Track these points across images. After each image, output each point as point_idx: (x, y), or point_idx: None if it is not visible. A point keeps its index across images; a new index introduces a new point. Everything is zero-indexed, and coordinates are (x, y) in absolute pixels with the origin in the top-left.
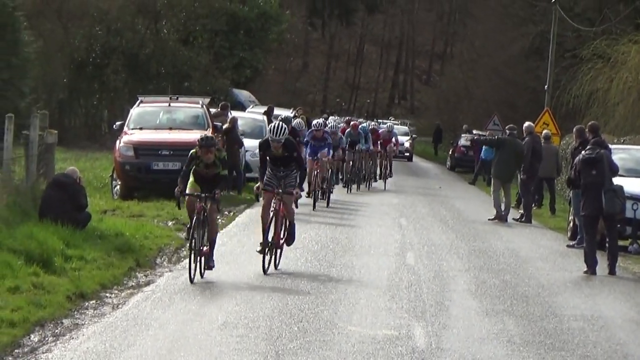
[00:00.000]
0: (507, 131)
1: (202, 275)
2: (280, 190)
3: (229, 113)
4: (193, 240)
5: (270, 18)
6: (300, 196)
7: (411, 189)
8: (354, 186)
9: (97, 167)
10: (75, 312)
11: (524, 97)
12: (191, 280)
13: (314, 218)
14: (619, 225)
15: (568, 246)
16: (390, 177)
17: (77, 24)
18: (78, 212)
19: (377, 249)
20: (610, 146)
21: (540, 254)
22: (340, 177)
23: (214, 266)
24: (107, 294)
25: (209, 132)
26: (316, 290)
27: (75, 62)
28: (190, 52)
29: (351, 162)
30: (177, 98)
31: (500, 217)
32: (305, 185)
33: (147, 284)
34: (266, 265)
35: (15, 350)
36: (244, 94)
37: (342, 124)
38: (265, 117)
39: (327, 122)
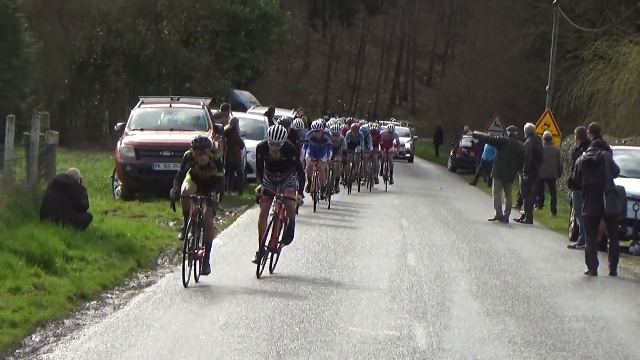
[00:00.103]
0: (508, 132)
1: (197, 280)
2: (282, 195)
3: (230, 114)
4: (187, 243)
5: (272, 19)
6: (302, 202)
7: (412, 190)
8: (355, 187)
9: (98, 168)
10: (77, 313)
11: (525, 98)
12: (185, 285)
13: (315, 219)
14: (620, 227)
15: (569, 247)
16: (392, 184)
17: (78, 26)
18: (79, 213)
19: (378, 250)
20: (611, 147)
21: (541, 255)
22: (340, 182)
23: (210, 272)
24: (109, 295)
25: (210, 133)
26: (317, 291)
27: (76, 64)
28: (192, 53)
29: (351, 164)
30: (179, 99)
31: (501, 218)
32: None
33: (149, 284)
34: (260, 270)
35: (17, 351)
36: (245, 95)
37: (343, 125)
38: (266, 118)
39: (326, 123)
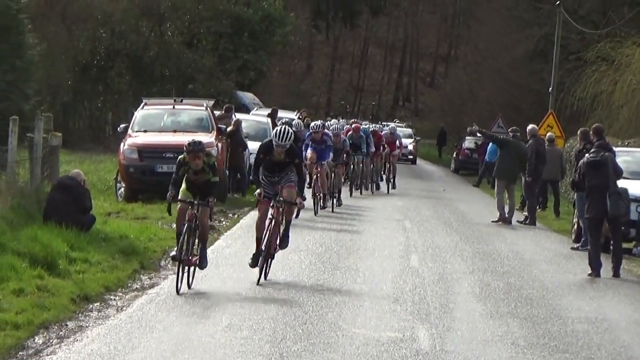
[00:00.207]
0: (510, 133)
1: (189, 286)
2: (281, 199)
3: (233, 115)
4: (182, 250)
5: (275, 20)
6: (303, 206)
7: (415, 192)
8: (357, 189)
9: (101, 170)
10: (80, 315)
11: (528, 99)
12: (177, 291)
13: (317, 221)
14: (623, 228)
15: (572, 249)
16: (394, 188)
17: (81, 27)
18: (82, 214)
19: (381, 251)
20: (614, 149)
21: (544, 257)
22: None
23: (206, 266)
24: (112, 297)
25: (213, 135)
26: (320, 293)
27: (79, 65)
28: (195, 55)
29: (352, 166)
30: (182, 100)
31: (504, 220)
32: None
33: (152, 286)
34: (260, 276)
35: (20, 353)
36: (248, 97)
37: (347, 126)
38: (269, 120)
39: (325, 124)
